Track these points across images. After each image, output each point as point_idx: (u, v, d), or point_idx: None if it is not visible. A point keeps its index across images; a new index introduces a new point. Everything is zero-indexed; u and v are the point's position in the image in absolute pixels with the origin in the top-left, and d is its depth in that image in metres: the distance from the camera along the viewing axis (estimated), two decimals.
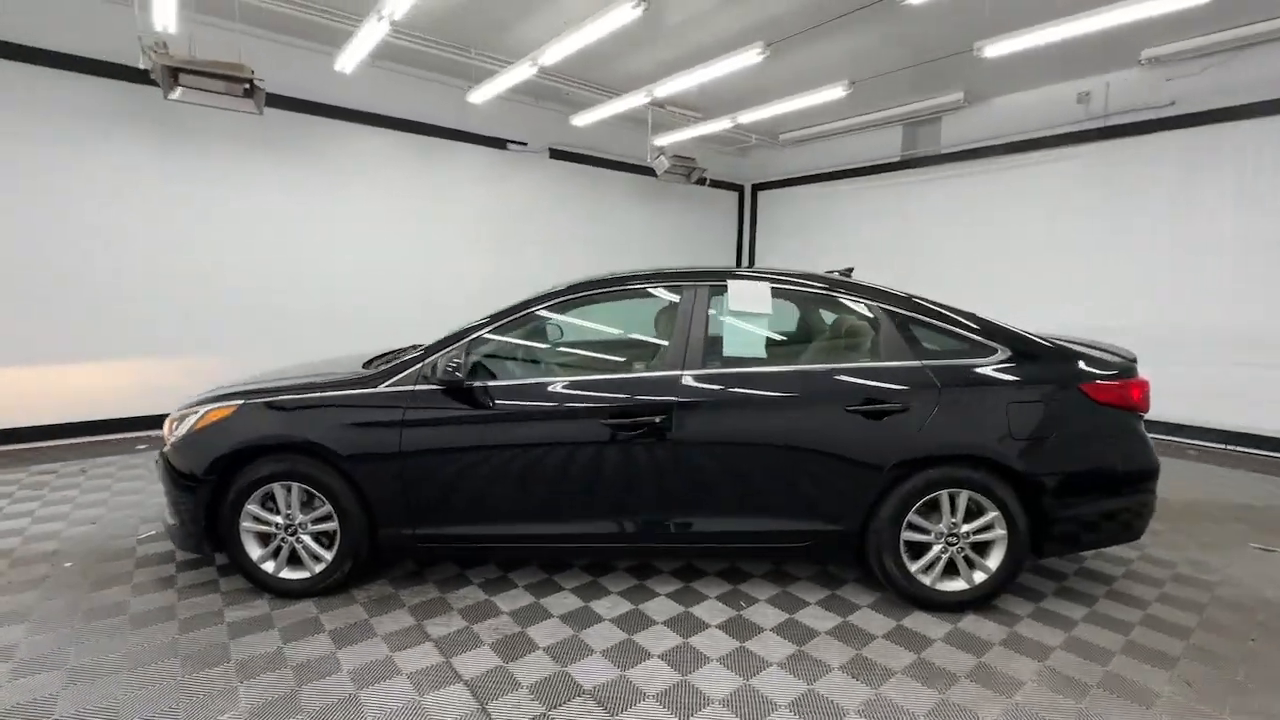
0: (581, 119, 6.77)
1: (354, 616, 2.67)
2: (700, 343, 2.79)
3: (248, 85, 4.82)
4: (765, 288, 2.88)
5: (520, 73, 5.49)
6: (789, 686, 2.24)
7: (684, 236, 9.38)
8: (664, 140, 7.48)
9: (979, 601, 2.76)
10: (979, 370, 2.75)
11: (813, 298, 2.96)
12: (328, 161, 6.20)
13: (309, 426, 2.72)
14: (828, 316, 2.98)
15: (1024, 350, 2.80)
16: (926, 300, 2.94)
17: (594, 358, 3.25)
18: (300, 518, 2.77)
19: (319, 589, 2.79)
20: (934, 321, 2.86)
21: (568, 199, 8.06)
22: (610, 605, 2.79)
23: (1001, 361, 2.77)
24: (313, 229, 6.14)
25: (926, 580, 2.73)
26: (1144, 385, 2.77)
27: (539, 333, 3.15)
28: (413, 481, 2.74)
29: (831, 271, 3.57)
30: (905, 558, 2.72)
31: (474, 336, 2.82)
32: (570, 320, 3.11)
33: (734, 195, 10.02)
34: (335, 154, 6.24)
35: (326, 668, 2.30)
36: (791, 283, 2.96)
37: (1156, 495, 2.82)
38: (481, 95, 6.00)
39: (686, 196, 9.26)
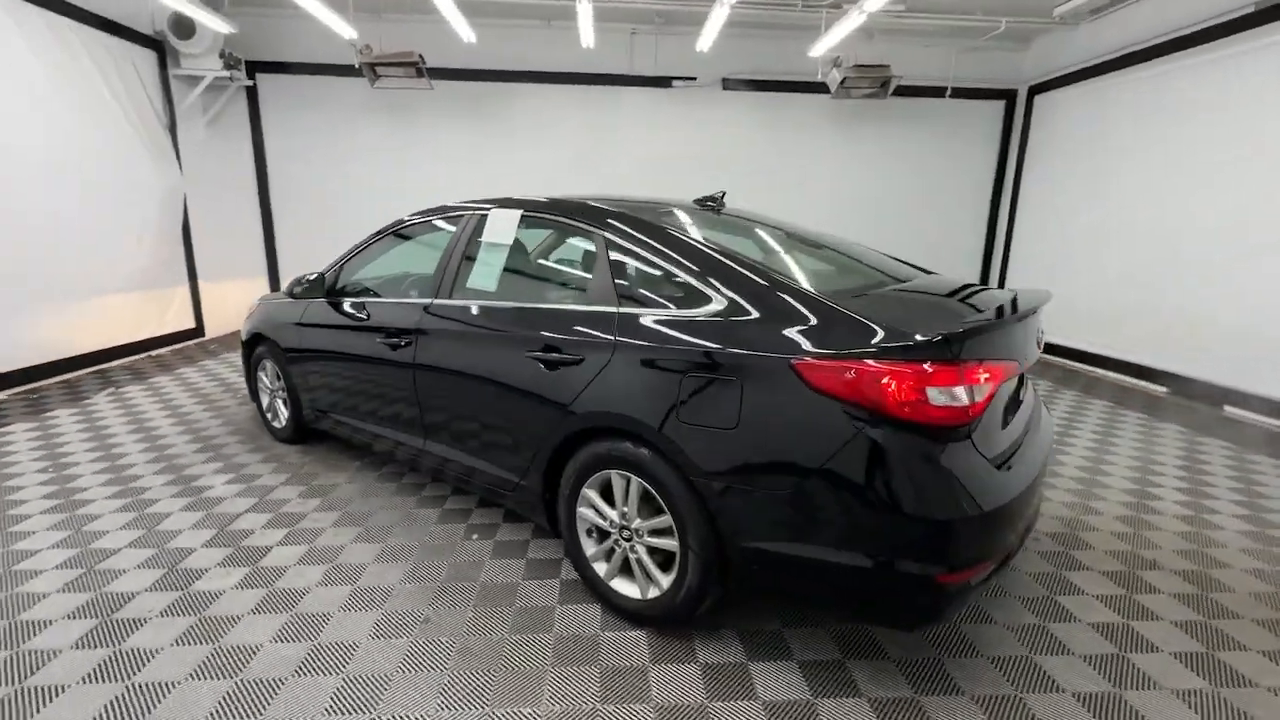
0: (703, 40, 6.21)
1: (287, 460, 3.70)
2: (453, 273, 2.78)
3: (416, 66, 6.21)
4: (514, 216, 2.63)
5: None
6: (330, 601, 2.31)
7: (904, 165, 7.66)
8: (823, 47, 6.17)
9: (660, 621, 2.15)
10: (660, 323, 2.02)
11: (559, 228, 2.53)
12: (496, 121, 7.33)
13: (270, 325, 3.82)
14: (567, 249, 2.50)
15: (747, 303, 1.91)
16: (658, 230, 2.24)
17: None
18: (276, 385, 3.94)
19: (284, 438, 3.96)
20: (649, 258, 2.17)
21: (749, 133, 7.52)
22: (391, 504, 3.13)
23: (706, 316, 1.96)
24: (485, 180, 7.40)
25: (600, 570, 2.26)
26: (921, 375, 1.58)
27: (406, 256, 3.51)
28: (307, 372, 3.58)
29: (708, 199, 2.91)
30: (585, 537, 2.30)
31: (342, 262, 3.42)
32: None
33: (998, 105, 7.56)
34: (501, 112, 7.32)
35: (236, 481, 3.39)
36: (544, 211, 2.59)
37: (967, 570, 1.63)
38: (585, 36, 6.09)
39: (911, 114, 7.47)
